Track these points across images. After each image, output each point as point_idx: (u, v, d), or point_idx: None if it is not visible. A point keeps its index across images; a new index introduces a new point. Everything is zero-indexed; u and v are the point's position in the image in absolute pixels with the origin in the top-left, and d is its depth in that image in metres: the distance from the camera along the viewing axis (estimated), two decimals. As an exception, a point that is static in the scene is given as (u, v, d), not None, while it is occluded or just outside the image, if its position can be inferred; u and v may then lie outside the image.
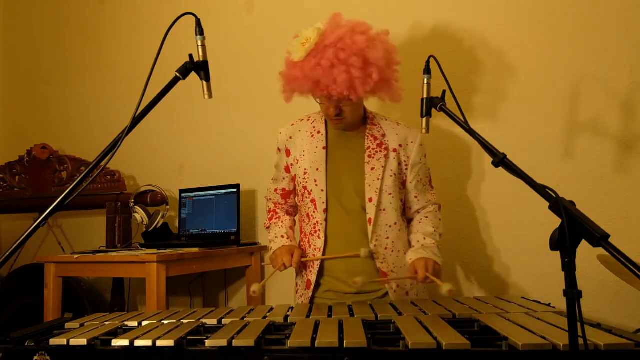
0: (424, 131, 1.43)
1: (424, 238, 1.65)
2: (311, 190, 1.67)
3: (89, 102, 3.08)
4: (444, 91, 1.37)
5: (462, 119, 1.25)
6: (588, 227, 0.84)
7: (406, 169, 1.69)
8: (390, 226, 1.65)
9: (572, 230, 0.85)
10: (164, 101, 1.31)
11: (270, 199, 1.86)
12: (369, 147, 1.67)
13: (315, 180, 1.66)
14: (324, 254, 1.64)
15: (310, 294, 1.66)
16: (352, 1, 2.36)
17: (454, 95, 1.33)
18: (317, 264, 1.65)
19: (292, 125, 1.76)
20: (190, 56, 1.33)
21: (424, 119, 1.42)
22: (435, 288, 2.19)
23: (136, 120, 1.26)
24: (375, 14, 2.31)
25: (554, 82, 2.02)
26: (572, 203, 0.90)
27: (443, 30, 2.19)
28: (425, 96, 1.41)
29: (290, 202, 1.82)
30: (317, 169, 1.67)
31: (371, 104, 2.19)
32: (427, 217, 1.71)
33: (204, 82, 1.35)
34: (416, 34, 2.23)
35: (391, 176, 1.65)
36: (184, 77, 1.32)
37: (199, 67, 1.33)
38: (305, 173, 1.68)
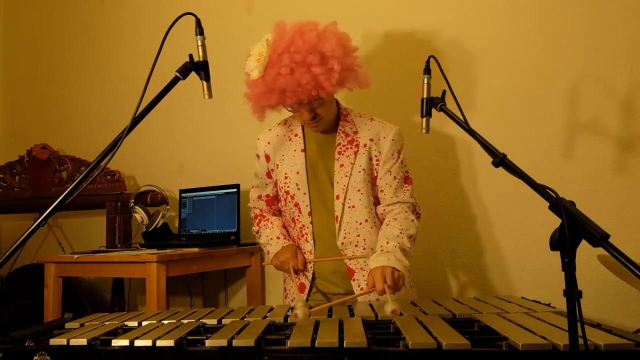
0: (423, 131, 1.42)
1: (387, 242, 1.52)
2: (294, 194, 1.65)
3: (89, 102, 3.08)
4: (444, 91, 1.37)
5: (462, 119, 1.24)
6: (588, 227, 0.84)
7: (377, 164, 1.64)
8: (360, 223, 1.62)
9: (572, 230, 0.84)
10: (164, 101, 1.31)
11: (255, 207, 1.82)
12: (339, 144, 1.64)
13: (297, 184, 1.65)
14: (314, 256, 1.63)
15: (305, 298, 1.65)
16: (352, 1, 2.36)
17: (454, 95, 1.33)
18: (310, 267, 1.64)
19: (270, 130, 1.75)
20: (190, 56, 1.33)
21: (424, 119, 1.41)
22: (426, 288, 2.20)
23: (136, 120, 1.26)
24: (375, 14, 2.31)
25: (554, 82, 2.02)
26: (572, 203, 0.90)
27: (443, 30, 2.19)
28: (425, 96, 1.41)
29: (275, 207, 1.80)
30: (298, 172, 1.65)
31: (376, 102, 2.19)
32: (395, 219, 1.58)
33: (204, 82, 1.35)
34: (416, 34, 2.23)
35: (360, 172, 1.61)
36: (184, 77, 1.32)
37: (199, 67, 1.33)
38: (286, 177, 1.67)
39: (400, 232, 1.54)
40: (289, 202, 1.67)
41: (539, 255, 2.00)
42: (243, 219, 2.46)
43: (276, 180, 1.73)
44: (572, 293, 0.83)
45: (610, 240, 0.83)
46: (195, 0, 2.62)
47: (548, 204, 0.94)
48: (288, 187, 1.66)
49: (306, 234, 1.64)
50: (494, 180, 2.09)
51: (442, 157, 2.18)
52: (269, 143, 1.72)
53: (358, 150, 1.63)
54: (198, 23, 1.32)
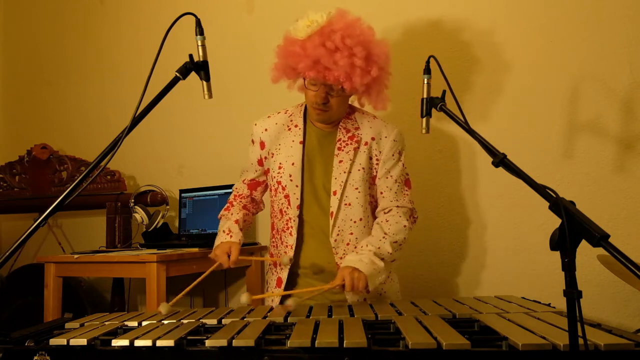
0: (424, 131, 1.42)
1: (366, 245, 1.52)
2: (285, 186, 1.62)
3: (89, 102, 3.08)
4: (444, 91, 1.37)
5: (462, 119, 1.24)
6: (588, 227, 0.84)
7: (377, 164, 1.62)
8: (354, 222, 1.59)
9: (572, 230, 0.84)
10: (163, 101, 1.30)
11: (235, 189, 1.79)
12: (339, 140, 1.62)
13: (290, 175, 1.61)
14: (295, 251, 1.60)
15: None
16: (351, 3, 2.36)
17: (454, 95, 1.33)
18: (289, 262, 1.58)
19: (269, 117, 1.72)
20: (190, 56, 1.33)
21: (424, 119, 1.41)
22: (426, 288, 2.20)
23: (136, 120, 1.26)
24: (373, 15, 2.31)
25: (554, 82, 2.02)
26: (572, 203, 0.90)
27: (443, 30, 2.19)
28: (425, 96, 1.41)
29: (255, 194, 1.76)
30: (293, 164, 1.62)
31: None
32: (387, 221, 1.57)
33: (204, 82, 1.35)
34: (416, 33, 2.23)
35: (359, 170, 1.59)
36: (184, 77, 1.32)
37: (199, 67, 1.33)
38: (280, 167, 1.63)
39: (384, 237, 1.53)
40: (280, 192, 1.64)
41: (539, 255, 2.00)
42: (243, 219, 2.46)
43: (267, 168, 1.69)
44: (572, 293, 0.83)
45: (610, 240, 0.83)
46: (195, 0, 2.62)
47: (548, 204, 0.94)
48: (281, 177, 1.63)
49: (291, 227, 1.60)
50: (494, 180, 2.09)
51: (442, 158, 2.18)
52: (266, 130, 1.69)
53: (358, 148, 1.61)
54: (198, 23, 1.32)
